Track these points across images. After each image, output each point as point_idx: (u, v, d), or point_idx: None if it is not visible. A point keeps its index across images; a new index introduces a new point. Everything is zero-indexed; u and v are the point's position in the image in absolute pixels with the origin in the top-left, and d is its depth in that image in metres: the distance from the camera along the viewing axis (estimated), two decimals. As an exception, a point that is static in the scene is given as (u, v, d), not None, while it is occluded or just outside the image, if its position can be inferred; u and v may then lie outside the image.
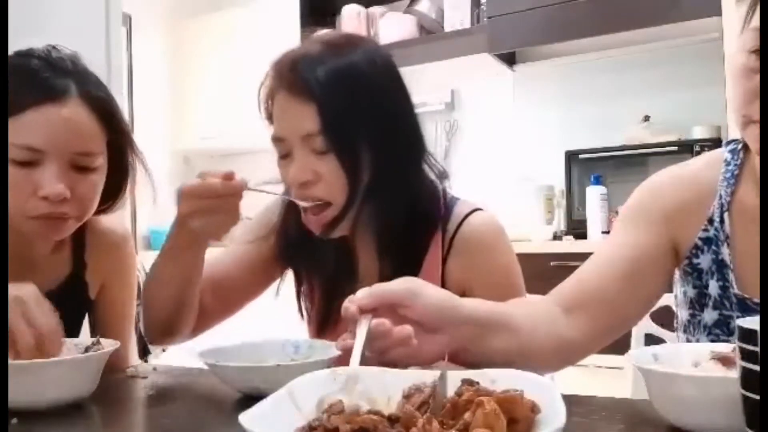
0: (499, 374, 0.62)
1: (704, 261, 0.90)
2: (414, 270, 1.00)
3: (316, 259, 1.06)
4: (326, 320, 1.06)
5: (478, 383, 0.58)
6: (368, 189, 0.96)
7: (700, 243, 0.90)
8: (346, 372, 0.63)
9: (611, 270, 0.90)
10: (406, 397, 0.59)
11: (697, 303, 0.92)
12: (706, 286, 0.90)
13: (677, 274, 0.96)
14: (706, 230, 0.89)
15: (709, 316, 0.90)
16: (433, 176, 1.04)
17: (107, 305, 1.13)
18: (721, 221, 0.88)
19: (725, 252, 0.87)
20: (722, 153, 0.93)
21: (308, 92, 0.92)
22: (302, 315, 1.12)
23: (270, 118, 1.01)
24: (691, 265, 0.91)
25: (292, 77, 0.94)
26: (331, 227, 0.97)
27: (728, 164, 0.90)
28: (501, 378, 0.60)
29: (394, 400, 0.60)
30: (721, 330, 0.89)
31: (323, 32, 1.02)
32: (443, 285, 1.00)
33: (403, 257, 1.00)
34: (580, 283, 0.91)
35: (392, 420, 0.53)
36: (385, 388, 0.62)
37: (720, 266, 0.88)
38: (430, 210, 1.02)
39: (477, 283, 1.00)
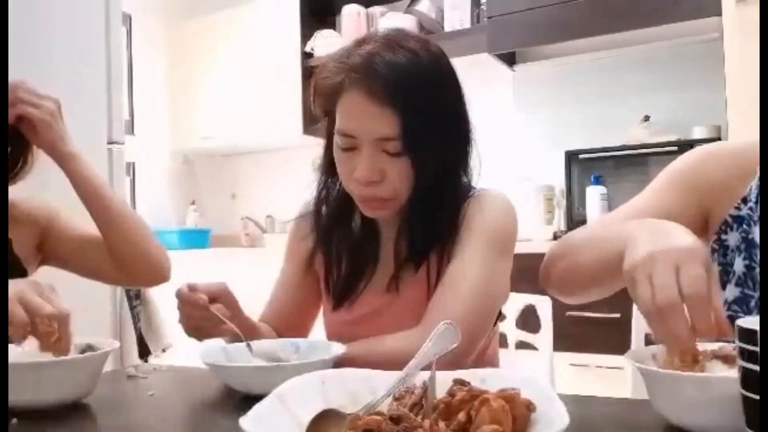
0: (488, 374, 0.62)
1: (732, 238, 0.90)
2: (425, 254, 1.03)
3: (345, 240, 1.11)
4: (344, 296, 1.09)
5: (469, 383, 0.58)
6: (424, 187, 1.00)
7: (730, 220, 0.91)
8: (334, 375, 0.64)
9: None
10: (397, 398, 0.59)
11: (720, 280, 0.92)
12: (731, 264, 0.91)
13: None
14: (738, 208, 0.90)
15: (731, 292, 0.91)
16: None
17: (61, 242, 1.20)
18: (757, 202, 0.88)
19: (756, 232, 0.87)
20: None
21: (388, 96, 0.94)
22: (327, 289, 1.14)
23: (323, 108, 1.04)
24: (719, 241, 0.92)
25: (371, 77, 0.94)
26: (393, 214, 1.03)
27: None
28: (490, 377, 0.61)
29: (384, 401, 0.60)
30: (740, 307, 0.90)
31: (388, 29, 1.04)
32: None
33: (424, 245, 1.03)
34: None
35: (393, 420, 0.53)
36: (374, 390, 0.62)
37: (749, 245, 0.88)
38: (461, 206, 1.05)
39: (463, 229, 1.01)
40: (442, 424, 0.52)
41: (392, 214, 1.04)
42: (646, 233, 0.73)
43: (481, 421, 0.51)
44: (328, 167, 1.09)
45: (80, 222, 1.23)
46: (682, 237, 0.69)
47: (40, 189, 1.20)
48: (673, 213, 0.91)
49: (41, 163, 1.17)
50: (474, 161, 1.07)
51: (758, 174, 0.89)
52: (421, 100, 0.96)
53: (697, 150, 0.97)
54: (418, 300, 1.01)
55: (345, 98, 0.97)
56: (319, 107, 1.05)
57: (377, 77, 0.94)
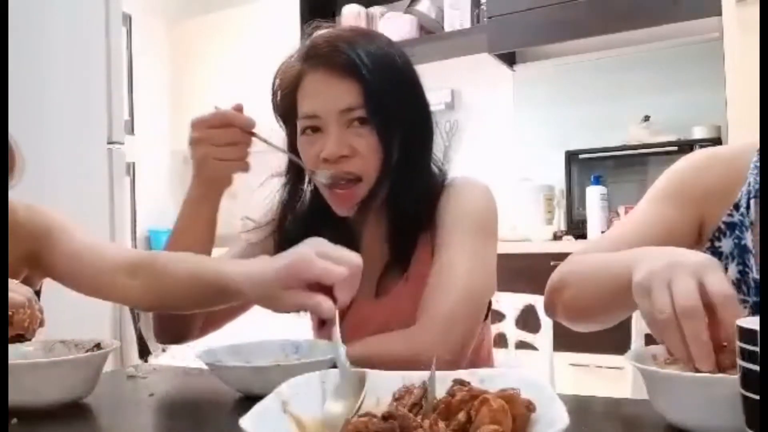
0: (488, 374, 0.62)
1: (725, 245, 0.91)
2: (409, 254, 1.02)
3: None
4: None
5: (469, 383, 0.58)
6: (392, 170, 0.99)
7: (723, 227, 0.91)
8: (334, 375, 0.63)
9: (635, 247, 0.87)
10: (397, 399, 0.59)
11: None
12: (725, 270, 0.90)
13: None
14: (730, 215, 0.90)
15: None
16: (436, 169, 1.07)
17: (58, 261, 1.05)
18: (747, 207, 0.88)
19: (748, 237, 0.88)
20: (757, 141, 0.92)
21: (350, 68, 0.96)
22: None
23: (285, 109, 1.04)
24: (713, 248, 0.92)
25: (332, 55, 0.97)
26: (360, 204, 1.00)
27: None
28: (490, 377, 0.60)
29: (383, 401, 0.60)
30: None
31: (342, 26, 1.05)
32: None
33: (405, 244, 1.02)
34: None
35: (384, 418, 0.53)
36: (374, 390, 0.61)
37: (742, 251, 0.89)
38: (434, 199, 1.03)
39: (444, 220, 1.00)
40: (441, 424, 0.51)
41: (358, 203, 1.00)
42: (655, 253, 0.72)
43: (481, 421, 0.51)
44: (294, 176, 1.07)
45: (85, 238, 1.07)
46: (697, 253, 0.69)
47: (36, 196, 1.12)
48: (671, 224, 0.92)
49: (39, 169, 1.11)
50: (442, 152, 1.06)
51: (748, 180, 0.89)
52: (381, 72, 0.97)
53: (692, 157, 0.97)
54: (407, 301, 0.99)
55: (305, 82, 0.99)
56: (282, 110, 1.05)
57: (337, 53, 0.96)
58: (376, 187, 0.99)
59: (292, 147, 1.05)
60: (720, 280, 0.63)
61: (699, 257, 0.67)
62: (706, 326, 0.61)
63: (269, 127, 1.04)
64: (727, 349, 0.60)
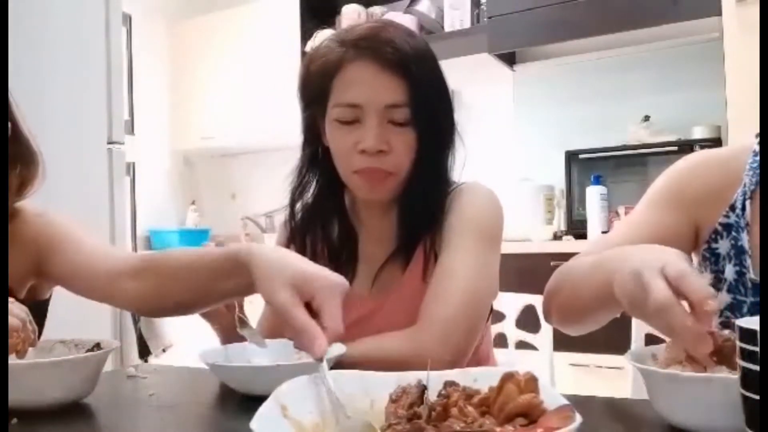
0: (480, 372, 0.62)
1: (722, 246, 0.91)
2: (412, 252, 1.02)
3: (322, 241, 1.08)
4: None
5: (458, 384, 0.58)
6: (419, 167, 1.00)
7: (720, 228, 0.91)
8: (331, 376, 0.63)
9: None
10: (394, 400, 0.58)
11: (712, 287, 0.92)
12: (722, 271, 0.91)
13: (695, 260, 0.96)
14: (727, 216, 0.91)
15: (723, 299, 0.91)
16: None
17: (64, 266, 1.03)
18: (743, 208, 0.89)
19: (744, 238, 0.89)
20: (753, 143, 0.93)
21: (398, 64, 0.95)
22: None
23: (313, 93, 1.02)
24: (710, 250, 0.93)
25: (380, 47, 0.96)
26: (393, 194, 1.01)
27: (756, 154, 0.91)
28: (482, 376, 0.60)
29: (378, 403, 0.60)
30: (733, 313, 0.90)
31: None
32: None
33: (411, 240, 1.02)
34: None
35: (410, 419, 0.53)
36: (367, 392, 0.61)
37: (738, 252, 0.89)
38: (443, 201, 1.03)
39: (448, 223, 1.00)
40: (470, 408, 0.52)
41: (389, 195, 1.01)
42: (626, 265, 0.70)
43: (509, 396, 0.51)
44: (309, 163, 1.07)
45: (87, 245, 1.05)
46: (663, 250, 0.69)
47: (35, 196, 1.11)
48: (668, 227, 0.93)
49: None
50: (455, 158, 1.06)
51: (744, 181, 0.90)
52: (425, 73, 0.98)
53: (689, 159, 0.98)
54: (402, 299, 1.00)
55: (348, 70, 0.97)
56: (308, 94, 1.03)
57: (385, 46, 0.95)
58: (403, 183, 1.00)
59: (310, 129, 1.05)
60: (675, 266, 0.63)
61: (663, 255, 0.67)
62: (688, 314, 0.61)
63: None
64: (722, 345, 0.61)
